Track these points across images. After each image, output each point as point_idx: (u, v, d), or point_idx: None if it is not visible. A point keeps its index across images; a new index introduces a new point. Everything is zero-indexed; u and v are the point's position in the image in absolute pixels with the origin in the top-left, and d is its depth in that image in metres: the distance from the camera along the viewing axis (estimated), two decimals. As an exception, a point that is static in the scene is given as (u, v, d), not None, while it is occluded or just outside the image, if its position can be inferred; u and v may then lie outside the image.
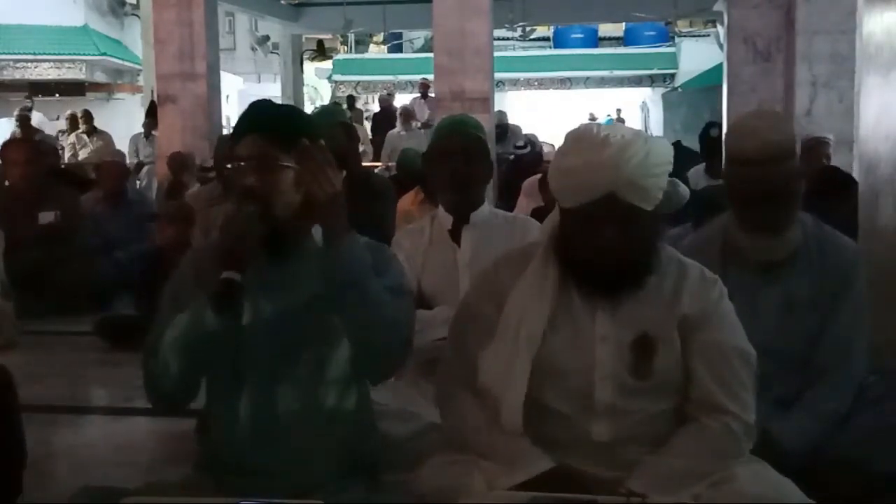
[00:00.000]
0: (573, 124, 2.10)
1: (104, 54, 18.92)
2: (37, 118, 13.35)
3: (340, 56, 24.05)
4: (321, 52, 25.78)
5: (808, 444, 2.39)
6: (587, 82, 23.66)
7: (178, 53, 9.65)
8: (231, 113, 17.60)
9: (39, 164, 6.14)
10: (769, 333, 2.36)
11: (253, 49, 26.56)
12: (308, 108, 18.87)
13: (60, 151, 11.62)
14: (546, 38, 25.71)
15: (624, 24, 24.04)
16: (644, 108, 24.47)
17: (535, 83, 23.67)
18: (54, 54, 18.78)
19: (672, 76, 22.88)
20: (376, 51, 26.20)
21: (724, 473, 1.88)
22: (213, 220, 5.30)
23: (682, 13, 17.32)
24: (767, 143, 2.41)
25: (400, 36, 25.06)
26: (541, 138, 11.39)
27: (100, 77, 19.03)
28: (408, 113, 12.18)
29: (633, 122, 23.79)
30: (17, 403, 2.41)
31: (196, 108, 9.69)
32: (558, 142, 2.12)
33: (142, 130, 12.23)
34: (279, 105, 2.13)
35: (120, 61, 19.67)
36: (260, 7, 16.86)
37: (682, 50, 22.87)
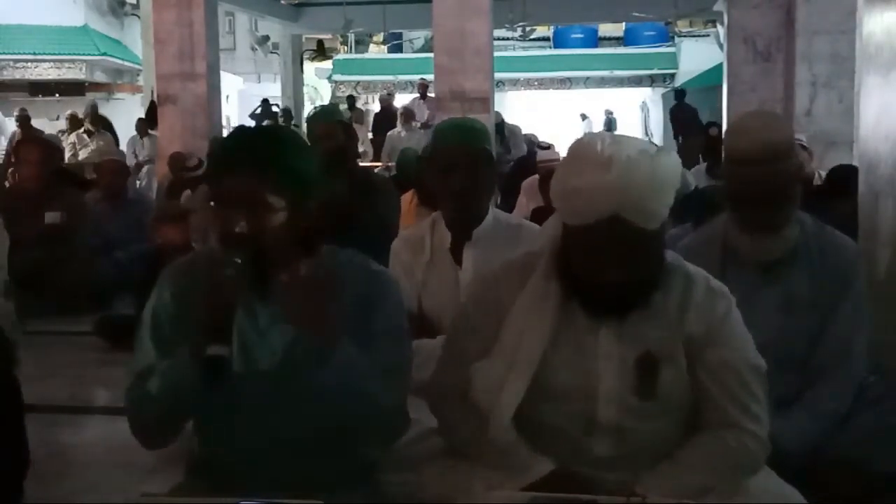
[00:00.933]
0: (573, 124, 2.06)
1: (104, 54, 18.93)
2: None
3: (340, 56, 24.06)
4: (321, 52, 25.78)
5: (808, 444, 2.39)
6: (587, 82, 23.66)
7: (178, 53, 9.65)
8: (231, 113, 17.64)
9: (49, 164, 6.14)
10: (769, 333, 2.35)
11: (253, 49, 26.56)
12: (308, 109, 18.88)
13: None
14: (546, 38, 25.71)
15: (624, 24, 24.04)
16: (644, 108, 24.47)
17: (535, 83, 23.66)
18: (54, 54, 18.79)
19: (672, 76, 22.87)
20: (376, 51, 26.20)
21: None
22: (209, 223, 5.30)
23: (682, 13, 17.32)
24: (765, 143, 2.40)
25: (400, 36, 25.07)
26: (540, 138, 11.40)
27: (100, 77, 19.05)
28: (408, 113, 12.19)
29: (634, 121, 23.83)
30: (23, 410, 2.40)
31: (196, 108, 9.69)
32: (559, 142, 2.09)
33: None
34: (266, 133, 1.97)
35: (120, 61, 19.68)
36: (260, 7, 16.88)
37: (682, 50, 22.88)
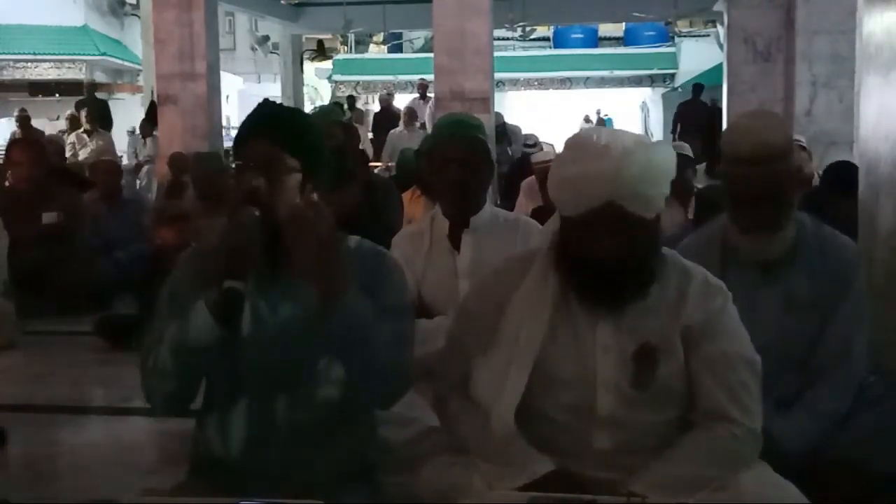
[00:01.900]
0: (573, 124, 2.08)
1: (104, 54, 18.95)
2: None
3: (340, 56, 24.06)
4: (321, 52, 25.79)
5: (808, 444, 2.39)
6: (587, 82, 23.67)
7: (178, 53, 9.66)
8: (231, 113, 17.63)
9: (43, 165, 6.14)
10: (769, 333, 2.35)
11: (253, 49, 26.58)
12: (308, 109, 18.88)
13: (60, 151, 11.63)
14: (546, 38, 25.72)
15: (624, 24, 24.05)
16: (644, 108, 24.49)
17: (535, 83, 23.67)
18: (54, 54, 18.81)
19: (672, 76, 22.89)
20: (376, 51, 26.21)
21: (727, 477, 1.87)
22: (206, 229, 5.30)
23: (682, 13, 17.32)
24: (763, 143, 2.40)
25: (400, 36, 25.08)
26: (541, 138, 11.39)
27: (100, 77, 19.05)
28: (411, 113, 12.18)
29: (634, 122, 23.83)
30: None
31: (196, 108, 9.70)
32: (558, 142, 2.10)
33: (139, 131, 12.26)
34: (284, 107, 2.10)
35: (120, 61, 19.70)
36: (260, 7, 16.87)
37: (682, 50, 22.88)
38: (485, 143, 2.91)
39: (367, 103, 21.78)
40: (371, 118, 15.85)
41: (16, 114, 12.85)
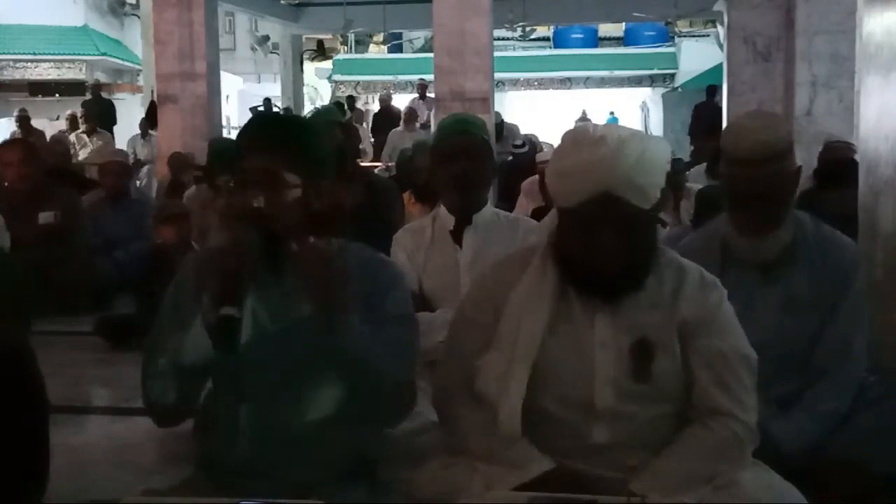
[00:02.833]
0: (572, 124, 2.10)
1: (104, 54, 18.94)
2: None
3: (340, 56, 24.05)
4: (321, 52, 25.78)
5: (807, 444, 2.39)
6: (587, 82, 23.66)
7: (178, 53, 9.66)
8: (231, 113, 17.64)
9: (37, 164, 6.12)
10: (769, 333, 2.36)
11: (253, 49, 26.58)
12: (308, 109, 18.88)
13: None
14: (546, 38, 25.72)
15: (624, 24, 24.04)
16: (644, 108, 24.48)
17: (535, 83, 23.66)
18: (54, 54, 18.81)
19: (672, 76, 22.88)
20: (376, 51, 26.21)
21: (727, 478, 1.87)
22: (209, 223, 5.30)
23: (682, 13, 17.30)
24: (760, 143, 2.40)
25: (400, 36, 25.06)
26: (541, 138, 11.39)
27: (100, 77, 19.04)
28: (411, 113, 12.18)
29: (634, 122, 23.81)
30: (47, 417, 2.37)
31: (196, 108, 9.70)
32: (558, 142, 2.11)
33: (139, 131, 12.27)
34: (282, 117, 2.09)
35: (120, 61, 19.70)
36: (260, 7, 16.86)
37: (682, 50, 22.87)
38: (487, 141, 2.98)
39: (367, 103, 21.77)
40: (371, 118, 15.84)
41: (16, 114, 12.84)
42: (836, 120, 8.20)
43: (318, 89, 25.12)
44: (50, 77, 19.05)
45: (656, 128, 22.93)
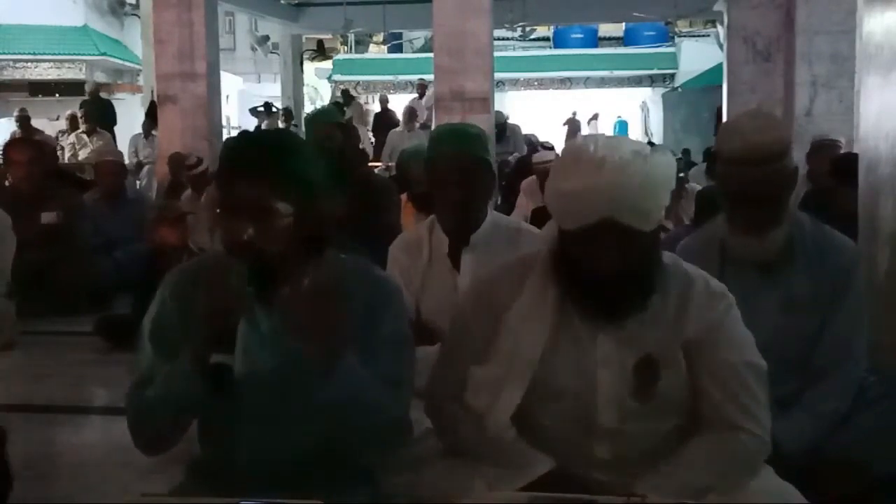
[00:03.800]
0: (560, 125, 2.04)
1: (104, 54, 18.93)
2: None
3: (340, 56, 24.06)
4: (321, 52, 25.77)
5: (807, 444, 2.39)
6: (587, 82, 23.67)
7: (178, 53, 9.65)
8: (231, 113, 17.64)
9: (43, 165, 6.14)
10: (768, 334, 2.35)
11: (253, 49, 26.57)
12: (308, 109, 18.87)
13: (60, 151, 11.61)
14: (546, 38, 25.72)
15: (624, 24, 24.04)
16: (644, 108, 24.48)
17: (535, 83, 23.66)
18: (54, 54, 18.80)
19: (672, 76, 22.89)
20: (376, 51, 26.21)
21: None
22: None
23: (682, 13, 17.32)
24: (756, 144, 2.40)
25: (400, 36, 25.07)
26: (541, 138, 11.40)
27: (100, 77, 19.03)
28: (411, 113, 12.17)
29: (634, 122, 23.82)
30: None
31: (196, 108, 9.70)
32: (558, 142, 2.08)
33: (141, 131, 12.25)
34: (269, 138, 1.96)
35: (120, 61, 19.68)
36: (260, 7, 16.87)
37: (682, 50, 22.88)
38: (485, 158, 2.77)
39: (367, 103, 21.76)
40: (371, 118, 15.83)
41: (15, 114, 12.83)
42: (836, 120, 8.19)
43: (318, 89, 25.12)
44: (50, 77, 19.03)
45: (656, 128, 22.95)
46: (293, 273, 1.82)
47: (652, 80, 23.43)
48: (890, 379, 2.62)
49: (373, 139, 13.67)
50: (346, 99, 15.93)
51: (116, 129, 13.23)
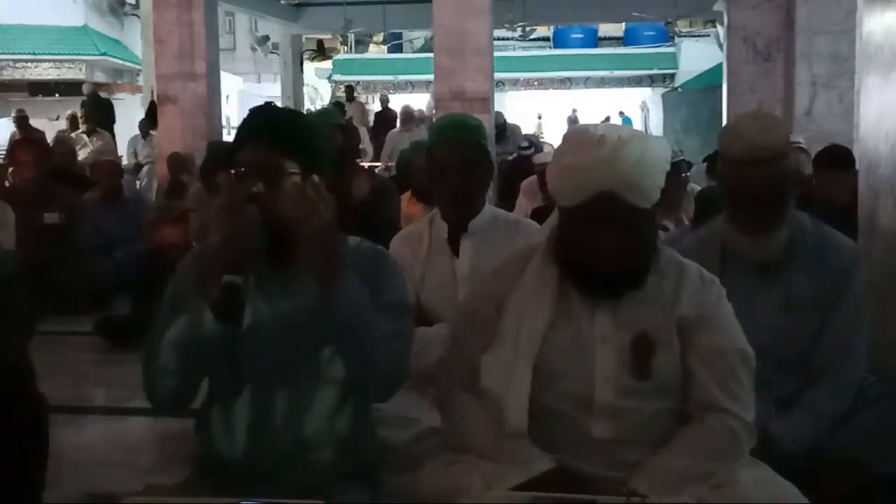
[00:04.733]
0: (564, 123, 2.11)
1: (104, 54, 18.94)
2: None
3: (340, 56, 24.07)
4: (321, 52, 25.80)
5: (807, 444, 2.39)
6: (587, 82, 23.68)
7: (178, 53, 9.66)
8: (231, 113, 17.64)
9: (46, 165, 6.16)
10: (768, 333, 2.35)
11: (253, 49, 26.59)
12: (308, 108, 18.86)
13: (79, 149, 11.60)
14: (546, 38, 25.73)
15: (624, 24, 24.05)
16: (644, 108, 24.49)
17: (535, 83, 23.67)
18: (54, 54, 18.81)
19: (672, 76, 22.89)
20: (376, 51, 26.22)
21: (727, 477, 1.88)
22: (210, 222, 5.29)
23: (682, 13, 17.32)
24: (758, 144, 2.40)
25: (400, 36, 25.08)
26: (541, 138, 11.40)
27: (100, 77, 19.06)
28: (409, 112, 12.18)
29: (634, 122, 23.79)
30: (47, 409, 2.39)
31: (196, 108, 9.70)
32: (557, 142, 2.11)
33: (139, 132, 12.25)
34: (282, 110, 2.10)
35: (120, 61, 19.70)
36: (260, 7, 16.86)
37: (682, 50, 22.89)
38: (484, 145, 2.88)
39: (367, 103, 21.77)
40: (371, 117, 15.81)
41: (13, 115, 12.83)
42: (836, 120, 8.20)
43: (318, 89, 25.13)
44: (50, 77, 19.05)
45: (656, 128, 22.94)
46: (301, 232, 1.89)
47: (652, 80, 23.44)
48: (890, 379, 2.62)
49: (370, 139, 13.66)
50: (348, 96, 15.90)
51: (116, 129, 13.25)
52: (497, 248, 2.73)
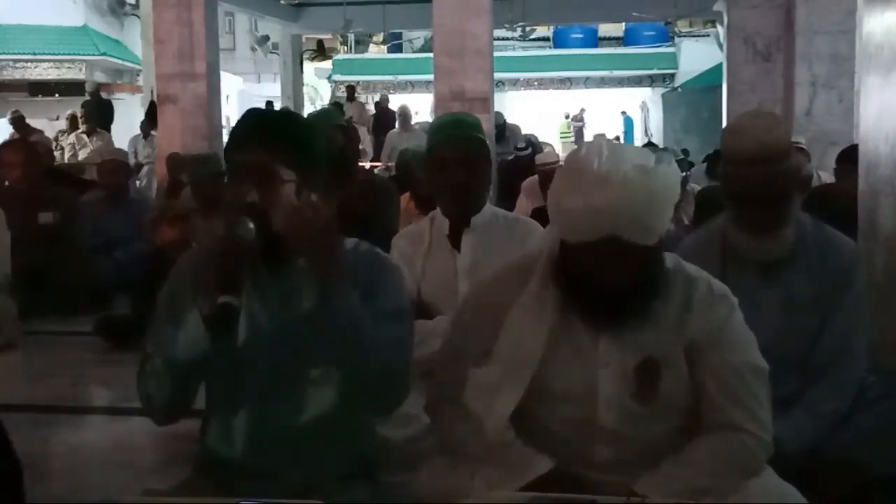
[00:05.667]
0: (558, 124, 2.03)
1: (104, 54, 18.95)
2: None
3: (340, 56, 24.07)
4: (321, 52, 25.79)
5: (807, 444, 2.39)
6: (587, 82, 23.68)
7: (178, 53, 9.66)
8: (231, 113, 17.63)
9: (38, 165, 6.14)
10: (769, 333, 2.35)
11: (253, 49, 26.58)
12: (308, 109, 18.86)
13: (60, 152, 11.62)
14: (546, 38, 25.72)
15: (624, 24, 24.04)
16: (644, 108, 24.49)
17: (535, 83, 23.67)
18: (54, 54, 18.81)
19: (672, 76, 22.90)
20: (376, 51, 26.21)
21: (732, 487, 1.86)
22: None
23: (682, 13, 17.31)
24: (761, 144, 2.40)
25: (400, 36, 25.07)
26: (541, 138, 11.38)
27: (100, 77, 19.04)
28: (406, 113, 12.18)
29: (634, 122, 23.79)
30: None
31: (196, 108, 9.70)
32: (558, 141, 2.08)
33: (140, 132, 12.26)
34: (277, 113, 2.07)
35: (120, 61, 19.70)
36: (260, 7, 16.86)
37: (682, 50, 22.89)
38: (484, 141, 2.89)
39: (367, 103, 21.77)
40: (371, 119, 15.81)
41: (9, 115, 12.82)
42: (835, 120, 8.20)
43: (318, 89, 25.12)
44: (50, 77, 19.06)
45: (656, 128, 22.95)
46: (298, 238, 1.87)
47: (652, 80, 23.44)
48: (890, 379, 2.62)
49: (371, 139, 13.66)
50: (348, 96, 15.89)
51: (115, 129, 13.25)
52: (498, 243, 2.74)
